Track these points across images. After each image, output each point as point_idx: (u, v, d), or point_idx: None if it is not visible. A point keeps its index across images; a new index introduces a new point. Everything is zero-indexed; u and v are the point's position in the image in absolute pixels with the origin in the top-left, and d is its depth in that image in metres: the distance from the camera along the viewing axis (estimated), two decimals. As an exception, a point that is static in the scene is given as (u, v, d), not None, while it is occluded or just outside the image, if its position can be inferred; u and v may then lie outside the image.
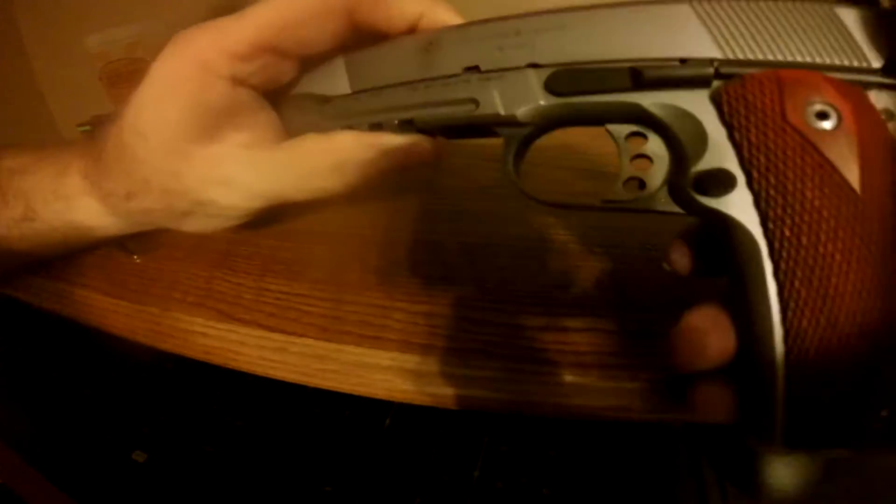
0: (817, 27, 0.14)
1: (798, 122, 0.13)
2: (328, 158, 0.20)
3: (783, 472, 0.15)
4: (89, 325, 0.27)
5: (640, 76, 0.15)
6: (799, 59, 0.14)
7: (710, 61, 0.14)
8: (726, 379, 0.15)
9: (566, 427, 0.37)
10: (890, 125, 0.13)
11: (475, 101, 0.17)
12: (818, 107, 0.13)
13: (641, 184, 0.16)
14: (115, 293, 0.27)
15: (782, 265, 0.13)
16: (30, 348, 0.41)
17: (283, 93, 0.22)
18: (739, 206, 0.13)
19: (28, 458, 0.38)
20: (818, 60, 0.14)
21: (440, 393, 0.21)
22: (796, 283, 0.12)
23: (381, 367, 0.22)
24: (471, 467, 0.37)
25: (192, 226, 0.23)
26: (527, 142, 0.18)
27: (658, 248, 0.26)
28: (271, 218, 0.25)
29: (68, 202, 0.23)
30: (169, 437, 0.42)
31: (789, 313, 0.13)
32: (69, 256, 0.29)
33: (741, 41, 0.14)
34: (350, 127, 0.20)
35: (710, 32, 0.14)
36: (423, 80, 0.18)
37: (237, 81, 0.19)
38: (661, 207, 0.16)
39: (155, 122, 0.19)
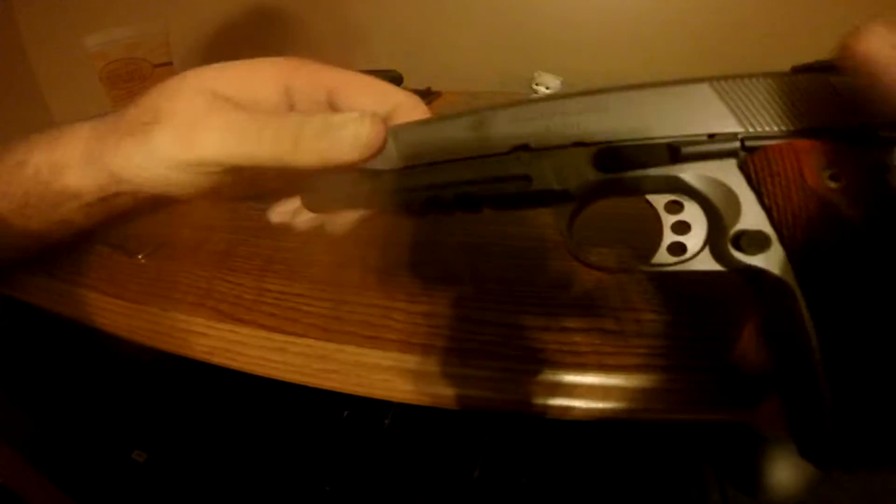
0: (819, 96, 0.16)
1: (816, 185, 0.15)
2: (351, 126, 0.20)
3: (784, 474, 0.15)
4: (89, 325, 0.27)
5: (678, 152, 0.17)
6: (806, 125, 0.16)
7: (735, 135, 0.16)
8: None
9: (566, 427, 0.37)
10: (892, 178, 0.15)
11: (528, 177, 0.18)
12: (830, 169, 0.15)
13: (682, 247, 0.18)
14: (115, 293, 0.27)
15: (816, 307, 0.15)
16: (30, 348, 0.41)
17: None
18: (774, 260, 0.16)
19: (28, 458, 0.38)
20: (823, 125, 0.16)
21: (440, 393, 0.21)
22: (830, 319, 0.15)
23: (381, 367, 0.22)
24: (471, 467, 0.37)
25: (186, 170, 0.22)
26: (577, 212, 0.20)
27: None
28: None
29: (61, 170, 0.24)
30: (169, 437, 0.42)
31: (827, 344, 0.15)
32: (69, 256, 0.29)
33: (758, 115, 0.16)
34: (405, 200, 0.21)
35: (730, 108, 0.17)
36: (475, 157, 0.19)
37: (289, 96, 0.22)
38: (702, 267, 0.18)
39: (208, 69, 0.21)
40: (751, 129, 0.16)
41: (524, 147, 0.18)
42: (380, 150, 0.19)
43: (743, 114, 0.16)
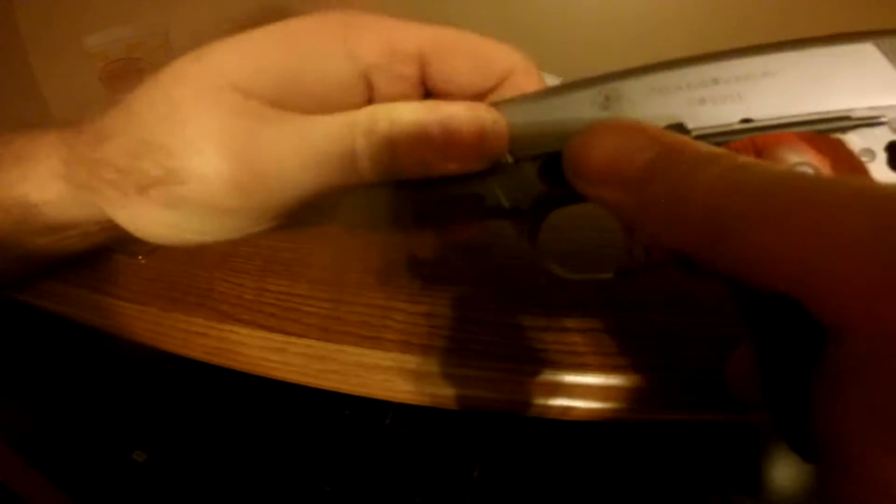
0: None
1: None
2: (379, 112, 0.15)
3: (784, 475, 0.15)
4: (90, 325, 0.27)
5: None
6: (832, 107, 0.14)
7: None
8: None
9: (566, 427, 0.37)
10: (870, 164, 0.14)
11: None
12: (797, 165, 0.14)
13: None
14: (115, 293, 0.27)
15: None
16: (30, 348, 0.41)
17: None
18: None
19: (28, 458, 0.38)
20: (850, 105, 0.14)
21: (440, 393, 0.21)
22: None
23: (381, 368, 0.22)
24: (471, 467, 0.37)
25: (135, 214, 0.16)
26: None
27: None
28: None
29: (35, 209, 0.19)
30: (169, 437, 0.42)
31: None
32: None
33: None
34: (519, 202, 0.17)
35: None
36: None
37: (367, 79, 0.15)
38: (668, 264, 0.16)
39: (218, 49, 0.15)
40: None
41: (679, 127, 0.15)
42: (498, 155, 0.15)
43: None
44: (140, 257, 0.29)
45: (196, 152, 0.14)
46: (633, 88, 0.15)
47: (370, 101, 0.16)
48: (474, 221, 0.18)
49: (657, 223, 0.12)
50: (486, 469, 0.37)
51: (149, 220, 0.15)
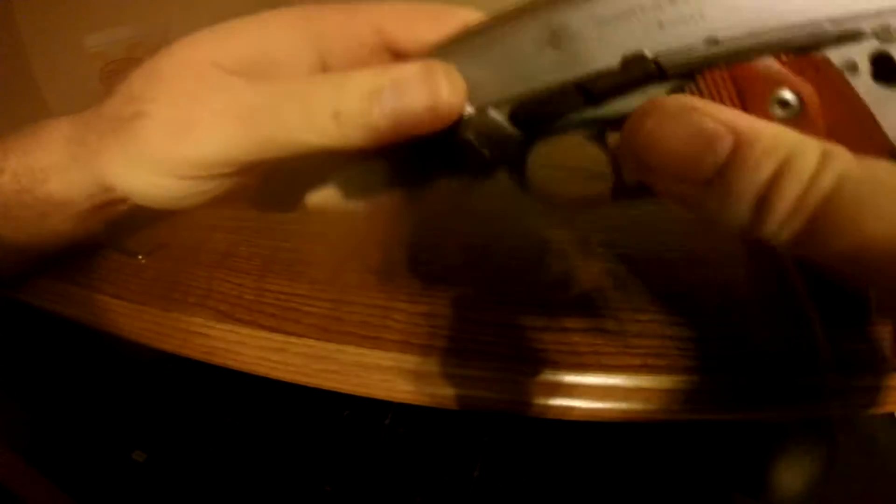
0: None
1: (763, 118, 0.11)
2: (331, 88, 0.15)
3: (788, 475, 0.15)
4: (89, 324, 0.27)
5: (591, 93, 0.14)
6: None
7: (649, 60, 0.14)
8: None
9: (566, 427, 0.37)
10: (854, 79, 0.13)
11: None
12: (780, 96, 0.13)
13: None
14: (115, 293, 0.27)
15: None
16: (30, 348, 0.41)
17: None
18: None
19: (28, 458, 0.38)
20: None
21: (440, 393, 0.21)
22: None
23: (381, 368, 0.22)
24: (471, 467, 0.37)
25: (173, 168, 0.17)
26: None
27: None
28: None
29: (42, 176, 0.21)
30: (169, 437, 0.42)
31: None
32: (69, 256, 0.29)
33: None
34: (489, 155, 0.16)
35: None
36: (574, 82, 0.14)
37: (323, 62, 0.17)
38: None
39: (204, 35, 0.17)
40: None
41: (639, 58, 0.14)
42: (461, 109, 0.15)
43: None
44: (140, 257, 0.29)
45: (151, 100, 0.16)
46: (580, 21, 0.14)
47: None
48: (467, 177, 0.17)
49: (740, 223, 0.11)
50: (486, 469, 0.37)
51: (118, 168, 0.18)
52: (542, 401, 0.21)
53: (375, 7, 0.17)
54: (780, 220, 0.10)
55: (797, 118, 0.12)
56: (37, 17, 0.68)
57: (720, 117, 0.11)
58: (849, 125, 0.13)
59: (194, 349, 0.25)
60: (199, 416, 0.42)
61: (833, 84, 0.13)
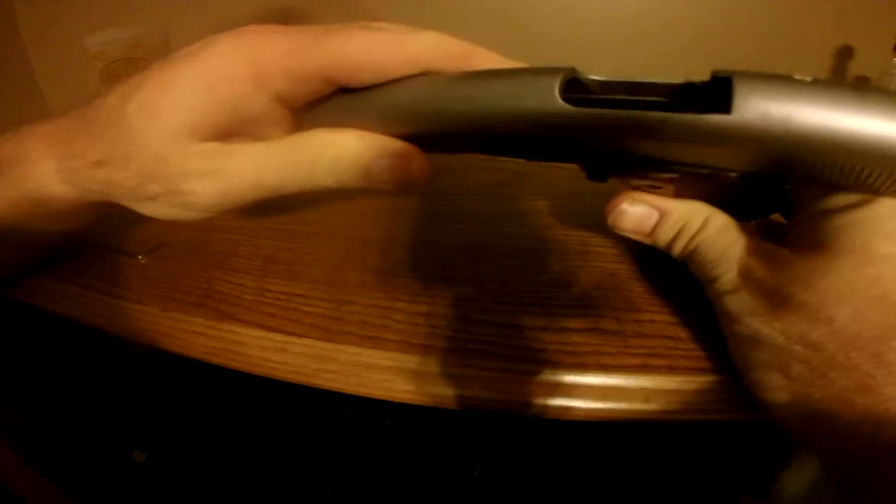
0: None
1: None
2: (328, 153, 0.19)
3: (793, 478, 0.15)
4: (89, 324, 0.27)
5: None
6: None
7: None
8: None
9: (566, 427, 0.37)
10: None
11: None
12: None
13: None
14: (115, 293, 0.27)
15: None
16: (29, 348, 0.41)
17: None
18: None
19: (28, 458, 0.38)
20: None
21: (440, 393, 0.21)
22: None
23: (381, 368, 0.22)
24: (471, 467, 0.37)
25: (150, 210, 0.21)
26: None
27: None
28: (251, 212, 0.24)
29: (24, 168, 0.22)
30: (169, 437, 0.42)
31: None
32: (69, 256, 0.29)
33: None
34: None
35: None
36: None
37: (279, 99, 0.19)
38: None
39: (171, 108, 0.18)
40: None
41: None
42: (409, 178, 0.19)
43: None
44: (140, 257, 0.29)
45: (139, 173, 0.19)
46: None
47: (292, 110, 0.20)
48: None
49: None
50: (486, 469, 0.37)
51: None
52: (541, 401, 0.21)
53: (324, 50, 0.18)
54: (678, 251, 0.21)
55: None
56: (37, 17, 0.68)
57: (651, 202, 0.21)
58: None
59: (194, 349, 0.25)
60: (199, 416, 0.42)
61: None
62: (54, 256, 0.28)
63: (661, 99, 0.15)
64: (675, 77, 0.15)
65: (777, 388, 0.17)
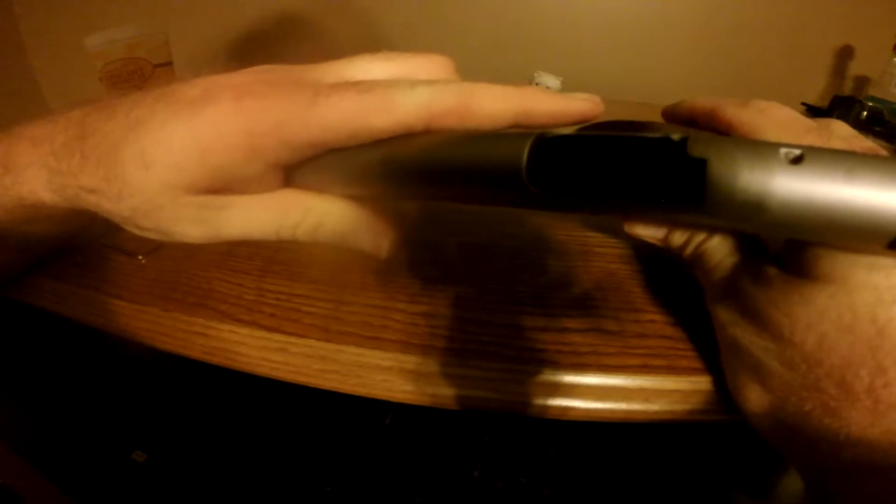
0: None
1: None
2: (312, 219, 0.20)
3: (788, 477, 0.15)
4: (89, 324, 0.27)
5: None
6: None
7: None
8: None
9: (566, 427, 0.37)
10: None
11: None
12: None
13: None
14: (115, 293, 0.27)
15: None
16: (30, 348, 0.41)
17: None
18: None
19: (28, 458, 0.38)
20: None
21: (440, 393, 0.21)
22: None
23: (381, 368, 0.22)
24: (471, 467, 0.37)
25: (139, 233, 0.22)
26: None
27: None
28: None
29: (13, 175, 0.22)
30: (169, 437, 0.42)
31: None
32: (69, 256, 0.29)
33: None
34: None
35: None
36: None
37: (272, 165, 0.19)
38: None
39: (166, 165, 0.18)
40: None
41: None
42: (378, 251, 0.21)
43: None
44: (140, 257, 0.29)
45: (137, 217, 0.20)
46: None
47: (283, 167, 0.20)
48: None
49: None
50: (486, 469, 0.37)
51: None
52: (541, 401, 0.21)
53: (306, 125, 0.18)
54: (688, 254, 0.20)
55: None
56: (37, 17, 0.68)
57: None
58: None
59: (194, 349, 0.25)
60: (199, 416, 0.42)
61: None
62: (53, 256, 0.28)
63: (634, 162, 0.15)
64: (653, 129, 0.15)
65: (754, 398, 0.18)
